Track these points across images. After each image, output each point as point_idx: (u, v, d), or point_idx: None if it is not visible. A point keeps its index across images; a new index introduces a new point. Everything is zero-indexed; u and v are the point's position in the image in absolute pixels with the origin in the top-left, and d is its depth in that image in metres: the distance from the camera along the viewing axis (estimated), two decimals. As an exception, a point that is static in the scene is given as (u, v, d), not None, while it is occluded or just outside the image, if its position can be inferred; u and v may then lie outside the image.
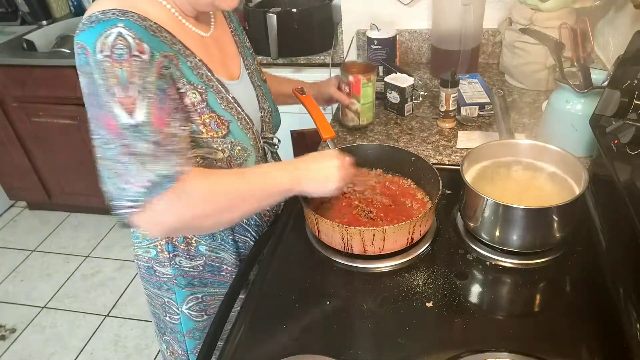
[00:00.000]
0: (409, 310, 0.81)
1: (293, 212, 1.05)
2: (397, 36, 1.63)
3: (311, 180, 0.84)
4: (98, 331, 2.13)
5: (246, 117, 0.92)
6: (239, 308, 0.87)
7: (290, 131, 1.76)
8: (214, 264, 1.00)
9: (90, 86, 0.71)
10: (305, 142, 1.73)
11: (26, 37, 2.36)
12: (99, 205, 2.77)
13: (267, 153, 1.03)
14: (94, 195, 2.64)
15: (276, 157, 1.08)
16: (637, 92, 0.81)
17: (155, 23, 0.77)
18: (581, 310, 0.79)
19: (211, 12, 0.93)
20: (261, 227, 1.05)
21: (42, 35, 2.42)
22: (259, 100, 1.00)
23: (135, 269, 1.06)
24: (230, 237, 1.00)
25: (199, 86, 0.82)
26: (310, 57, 1.98)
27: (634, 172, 0.77)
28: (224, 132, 0.86)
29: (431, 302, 0.82)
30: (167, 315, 1.06)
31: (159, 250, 0.97)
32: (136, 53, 0.70)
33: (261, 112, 1.01)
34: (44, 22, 2.59)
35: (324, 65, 1.98)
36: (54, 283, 2.39)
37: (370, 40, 1.61)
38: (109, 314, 2.20)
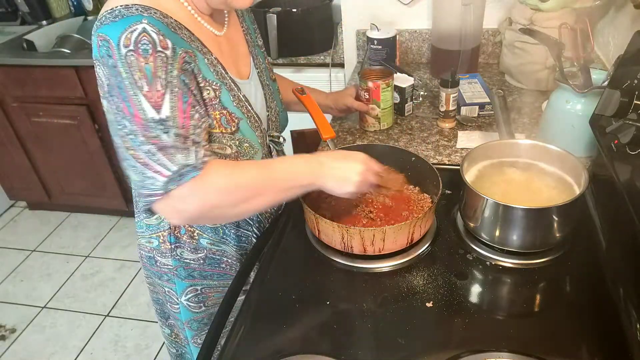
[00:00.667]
0: (409, 310, 0.81)
1: (293, 212, 1.05)
2: (397, 36, 1.63)
3: (331, 177, 0.83)
4: (98, 331, 2.13)
5: (255, 116, 0.94)
6: (238, 308, 0.87)
7: (290, 131, 1.76)
8: (214, 256, 1.02)
9: (113, 79, 0.72)
10: (305, 142, 1.73)
11: (26, 37, 2.36)
12: (99, 205, 2.78)
13: (272, 151, 1.04)
14: (94, 195, 2.64)
15: (281, 155, 1.09)
16: (637, 92, 0.81)
17: (175, 20, 0.79)
18: (581, 310, 0.79)
19: (225, 11, 0.94)
20: (262, 223, 1.06)
21: (42, 35, 2.42)
22: (266, 99, 1.02)
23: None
24: (233, 232, 1.01)
25: (214, 83, 0.84)
26: (310, 57, 1.98)
27: (634, 172, 0.77)
28: (233, 129, 0.88)
29: (431, 302, 0.82)
30: (168, 303, 1.08)
31: (161, 240, 0.98)
32: (160, 49, 0.72)
33: (268, 111, 1.02)
34: (44, 22, 2.59)
35: (324, 65, 1.98)
36: (54, 283, 2.39)
37: (370, 40, 1.61)
38: (109, 314, 2.20)
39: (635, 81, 0.82)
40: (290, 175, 0.83)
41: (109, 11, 0.73)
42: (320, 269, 0.91)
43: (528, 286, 0.85)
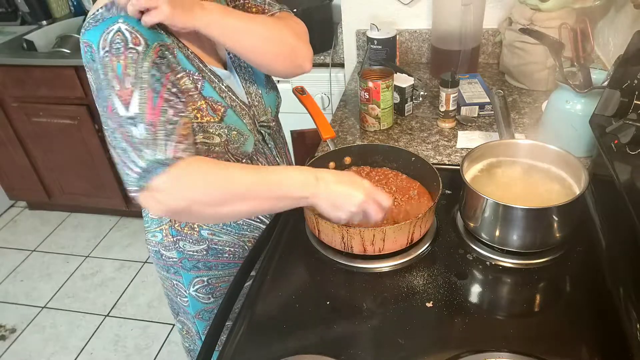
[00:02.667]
0: (409, 310, 0.81)
1: (293, 212, 1.04)
2: (397, 36, 1.63)
3: (326, 199, 0.79)
4: (98, 331, 2.13)
5: (241, 104, 0.94)
6: (238, 308, 0.87)
7: (291, 131, 1.76)
8: (217, 247, 1.03)
9: (96, 81, 0.77)
10: (305, 142, 1.73)
11: (26, 37, 2.36)
12: (99, 205, 2.78)
13: (264, 136, 1.02)
14: (94, 196, 2.64)
15: (275, 138, 1.07)
16: (637, 92, 0.81)
17: None
18: (581, 310, 0.79)
19: None
20: None
21: (42, 35, 2.42)
22: (243, 86, 0.98)
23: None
24: (234, 221, 1.02)
25: (195, 73, 0.85)
26: (310, 57, 1.98)
27: (634, 172, 0.77)
28: (219, 118, 0.88)
29: (431, 302, 0.82)
30: (178, 297, 1.10)
31: (164, 234, 1.00)
32: (131, 45, 0.75)
33: (248, 97, 0.98)
34: (44, 22, 2.59)
35: (324, 65, 1.98)
36: (54, 283, 2.40)
37: (370, 40, 1.61)
38: (109, 314, 2.20)
39: (635, 81, 0.82)
40: (281, 185, 0.79)
41: (92, 16, 0.77)
42: (320, 269, 0.91)
43: (528, 286, 0.85)
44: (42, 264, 2.52)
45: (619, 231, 0.86)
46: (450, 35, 1.54)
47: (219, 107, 0.88)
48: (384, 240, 0.87)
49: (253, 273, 0.97)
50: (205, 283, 1.06)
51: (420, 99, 1.48)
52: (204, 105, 0.85)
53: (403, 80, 1.37)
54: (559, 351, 0.72)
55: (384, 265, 0.90)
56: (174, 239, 1.00)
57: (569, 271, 0.87)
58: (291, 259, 0.95)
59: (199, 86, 0.85)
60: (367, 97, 1.29)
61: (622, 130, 0.80)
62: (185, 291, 1.06)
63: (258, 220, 1.05)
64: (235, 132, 0.91)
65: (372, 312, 0.82)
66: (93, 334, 2.12)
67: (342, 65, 1.95)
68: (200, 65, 0.87)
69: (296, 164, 1.32)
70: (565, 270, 0.87)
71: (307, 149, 1.65)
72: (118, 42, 0.74)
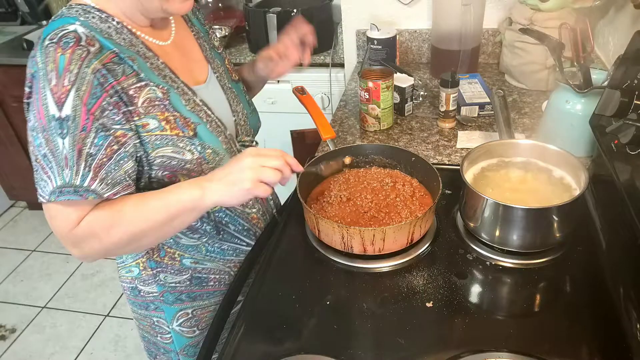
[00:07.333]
0: (409, 310, 0.81)
1: (293, 212, 1.05)
2: (397, 36, 1.63)
3: (220, 187, 0.75)
4: (98, 331, 2.13)
5: (217, 121, 0.89)
6: (238, 308, 0.87)
7: (290, 131, 1.76)
8: (200, 275, 0.98)
9: (30, 70, 0.72)
10: (305, 142, 1.73)
11: (26, 37, 2.36)
12: (99, 205, 2.77)
13: None
14: (94, 195, 2.64)
15: None
16: (637, 92, 0.81)
17: (120, 22, 0.78)
18: (581, 310, 0.79)
19: (170, 18, 0.89)
20: (251, 230, 1.01)
21: (42, 35, 2.42)
22: (230, 104, 0.96)
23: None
24: (217, 246, 0.97)
25: (161, 86, 0.80)
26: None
27: (634, 172, 0.77)
28: (191, 134, 0.83)
29: (431, 302, 0.82)
30: (158, 335, 1.03)
31: (141, 268, 0.94)
32: (84, 44, 0.71)
33: (234, 116, 0.97)
34: (44, 22, 2.59)
35: (324, 65, 1.98)
36: (54, 283, 2.40)
37: (370, 40, 1.61)
38: (109, 314, 2.20)
39: (635, 81, 0.82)
40: (171, 201, 0.76)
41: (59, 11, 0.76)
42: (320, 269, 0.91)
43: (528, 286, 0.85)
44: (42, 264, 2.52)
45: (619, 231, 0.86)
46: (450, 35, 1.54)
47: (189, 122, 0.83)
48: (383, 240, 0.87)
49: (240, 298, 0.94)
50: (190, 315, 1.00)
51: (420, 99, 1.48)
52: (172, 118, 0.80)
53: (403, 80, 1.37)
54: (559, 351, 0.72)
55: (384, 265, 0.90)
56: (154, 271, 0.93)
57: (569, 271, 0.87)
58: (291, 259, 0.95)
59: (166, 97, 0.80)
60: (367, 97, 1.29)
61: (622, 130, 0.80)
62: (168, 327, 1.00)
63: (244, 244, 1.01)
64: (210, 151, 0.85)
65: (372, 312, 0.82)
66: (93, 334, 2.12)
67: (342, 65, 1.95)
68: (172, 76, 0.83)
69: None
70: (565, 270, 0.87)
71: (307, 149, 1.65)
72: (70, 38, 0.70)
